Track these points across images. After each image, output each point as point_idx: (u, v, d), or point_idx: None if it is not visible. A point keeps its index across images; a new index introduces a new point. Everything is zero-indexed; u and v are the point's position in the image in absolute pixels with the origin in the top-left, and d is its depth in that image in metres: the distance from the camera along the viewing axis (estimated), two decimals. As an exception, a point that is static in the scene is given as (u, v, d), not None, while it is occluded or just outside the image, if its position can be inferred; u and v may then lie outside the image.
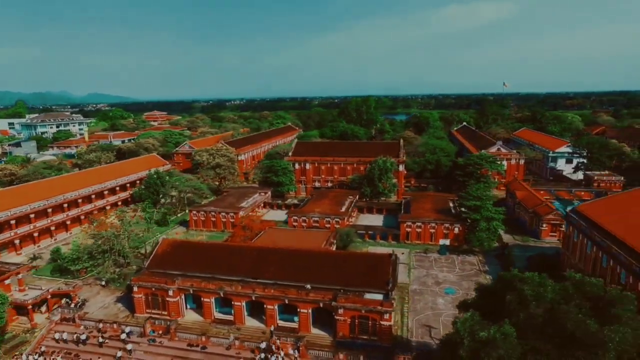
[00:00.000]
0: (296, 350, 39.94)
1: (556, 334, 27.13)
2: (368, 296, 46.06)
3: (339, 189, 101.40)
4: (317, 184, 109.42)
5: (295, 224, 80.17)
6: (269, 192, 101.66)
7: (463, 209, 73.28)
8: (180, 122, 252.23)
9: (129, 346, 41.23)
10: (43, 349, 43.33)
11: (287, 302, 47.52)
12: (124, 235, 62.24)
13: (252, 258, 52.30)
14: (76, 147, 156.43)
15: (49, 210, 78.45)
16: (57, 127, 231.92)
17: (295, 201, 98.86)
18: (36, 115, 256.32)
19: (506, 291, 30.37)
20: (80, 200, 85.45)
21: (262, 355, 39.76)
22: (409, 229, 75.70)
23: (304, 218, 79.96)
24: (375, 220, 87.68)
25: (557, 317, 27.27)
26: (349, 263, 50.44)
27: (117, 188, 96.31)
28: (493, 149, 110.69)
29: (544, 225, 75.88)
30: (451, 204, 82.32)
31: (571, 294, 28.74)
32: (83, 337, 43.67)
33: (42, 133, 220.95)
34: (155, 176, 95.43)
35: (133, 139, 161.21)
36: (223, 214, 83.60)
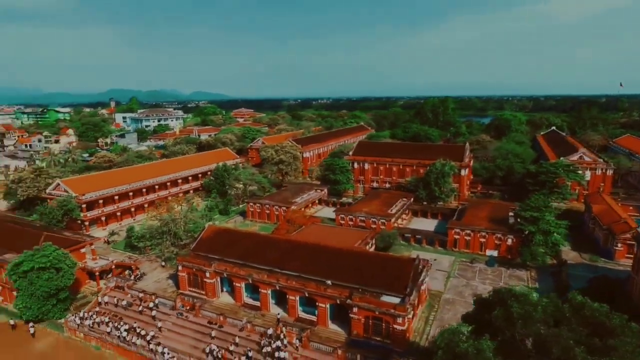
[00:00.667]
0: (298, 340, 41.52)
1: (541, 358, 25.11)
2: (385, 298, 45.81)
3: (394, 191, 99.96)
4: (375, 185, 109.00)
5: (342, 222, 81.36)
6: (325, 190, 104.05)
7: (519, 220, 67.94)
8: (262, 120, 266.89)
9: (153, 312, 46.69)
10: (97, 309, 50.93)
11: (307, 295, 49.31)
12: (181, 220, 69.28)
13: (280, 250, 55.00)
14: (165, 139, 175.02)
15: (130, 193, 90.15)
16: (159, 121, 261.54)
17: (350, 200, 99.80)
18: (144, 110, 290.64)
19: (498, 306, 28.68)
20: (157, 187, 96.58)
21: (267, 340, 42.12)
22: (457, 236, 72.38)
23: (350, 217, 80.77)
24: (429, 224, 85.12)
25: (544, 339, 25.22)
26: (371, 264, 50.46)
27: (190, 177, 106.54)
28: (574, 157, 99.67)
29: (619, 244, 67.04)
30: (511, 214, 76.60)
31: (567, 317, 26.21)
32: (124, 303, 50.35)
33: (146, 126, 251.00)
34: (222, 168, 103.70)
35: (215, 134, 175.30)
36: (276, 207, 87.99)
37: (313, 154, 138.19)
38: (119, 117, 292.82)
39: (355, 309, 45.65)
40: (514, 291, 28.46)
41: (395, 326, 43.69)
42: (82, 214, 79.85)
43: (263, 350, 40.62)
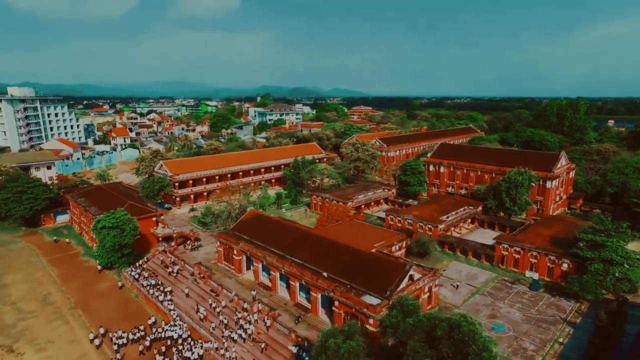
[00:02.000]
0: (267, 319, 45.11)
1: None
2: (365, 297, 46.22)
3: (461, 198, 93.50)
4: (450, 190, 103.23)
5: (391, 222, 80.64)
6: (394, 190, 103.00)
7: (579, 243, 58.31)
8: (375, 118, 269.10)
9: (169, 269, 55.91)
10: (144, 266, 62.90)
11: (303, 282, 52.52)
12: (237, 204, 78.63)
13: (293, 238, 58.98)
14: (275, 132, 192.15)
15: (217, 177, 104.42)
16: (280, 115, 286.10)
17: (416, 202, 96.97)
18: (271, 105, 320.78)
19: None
20: (241, 173, 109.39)
21: (241, 313, 46.98)
22: (504, 252, 65.59)
23: (399, 219, 79.50)
24: (492, 237, 78.09)
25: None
26: (365, 263, 50.83)
27: (272, 167, 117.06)
28: None
29: None
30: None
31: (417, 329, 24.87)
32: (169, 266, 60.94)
33: (269, 120, 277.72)
34: (299, 161, 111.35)
35: (318, 130, 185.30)
36: (335, 201, 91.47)
37: (400, 154, 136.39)
38: (251, 111, 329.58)
39: (336, 303, 47.28)
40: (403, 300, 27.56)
41: (366, 326, 43.98)
42: (174, 191, 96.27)
43: (235, 318, 45.89)
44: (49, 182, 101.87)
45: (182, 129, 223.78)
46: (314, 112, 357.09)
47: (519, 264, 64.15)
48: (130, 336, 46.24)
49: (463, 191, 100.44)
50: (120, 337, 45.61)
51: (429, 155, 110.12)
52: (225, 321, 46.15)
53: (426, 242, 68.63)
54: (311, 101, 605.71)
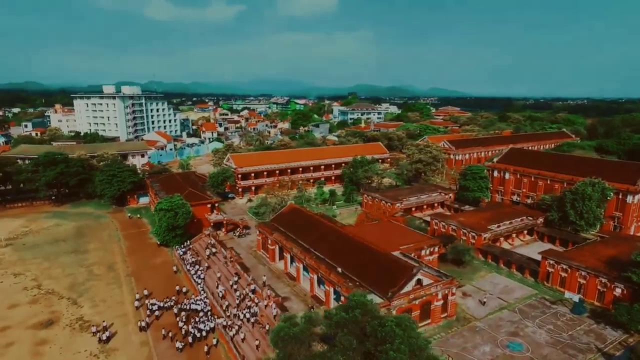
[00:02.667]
0: (274, 305, 47.90)
1: None
2: (369, 296, 46.71)
3: (522, 207, 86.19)
4: (515, 198, 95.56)
5: (435, 227, 78.18)
6: (451, 195, 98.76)
7: (633, 267, 50.99)
8: (460, 119, 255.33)
9: (208, 251, 62.00)
10: (191, 246, 70.48)
11: (319, 275, 54.60)
12: (283, 198, 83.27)
13: (320, 233, 61.15)
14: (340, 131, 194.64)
15: (277, 171, 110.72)
16: (361, 115, 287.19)
17: (471, 209, 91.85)
18: (353, 104, 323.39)
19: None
20: (300, 169, 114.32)
21: (250, 295, 50.69)
22: (550, 269, 59.84)
23: (443, 223, 76.68)
24: (548, 252, 71.51)
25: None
26: (380, 263, 50.97)
27: (333, 165, 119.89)
28: None
29: None
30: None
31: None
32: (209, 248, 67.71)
33: (350, 119, 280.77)
34: (357, 160, 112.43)
35: (391, 129, 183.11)
36: (383, 201, 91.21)
37: (469, 157, 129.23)
38: (335, 109, 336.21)
39: (342, 298, 48.57)
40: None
41: (365, 323, 44.61)
42: (237, 182, 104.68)
43: (244, 300, 49.93)
44: (139, 169, 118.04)
45: (267, 125, 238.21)
46: (400, 111, 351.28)
47: (566, 283, 58.08)
48: (162, 304, 53.06)
49: (529, 200, 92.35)
50: (153, 304, 52.63)
51: (495, 160, 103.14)
52: (237, 302, 50.46)
53: (463, 250, 65.59)
54: (402, 100, 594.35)
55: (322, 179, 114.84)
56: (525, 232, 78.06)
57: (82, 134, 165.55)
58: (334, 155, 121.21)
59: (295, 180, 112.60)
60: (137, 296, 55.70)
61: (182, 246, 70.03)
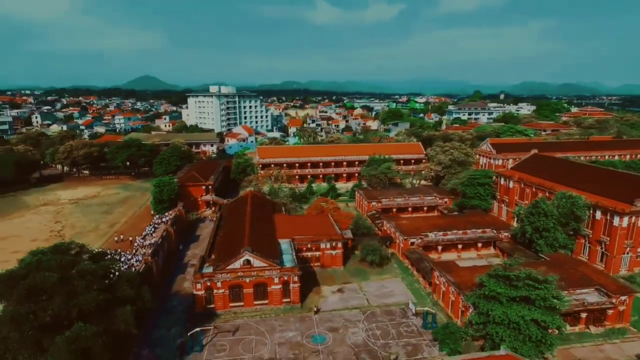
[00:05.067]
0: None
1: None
2: (205, 267, 53.96)
3: (496, 219, 75.98)
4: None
5: (380, 226, 77.02)
6: (447, 199, 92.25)
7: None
8: (585, 121, 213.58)
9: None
10: (165, 217, 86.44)
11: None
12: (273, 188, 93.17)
13: (249, 215, 69.56)
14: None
15: (296, 164, 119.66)
16: (469, 114, 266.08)
17: (454, 214, 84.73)
18: (463, 103, 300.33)
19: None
20: (320, 164, 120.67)
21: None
22: (437, 282, 55.50)
23: (388, 225, 75.08)
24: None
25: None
26: (252, 243, 57.01)
27: (356, 162, 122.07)
28: None
29: None
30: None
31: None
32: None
33: (455, 118, 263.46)
34: (374, 159, 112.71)
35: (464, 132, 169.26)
36: (364, 199, 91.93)
37: (514, 163, 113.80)
38: (451, 108, 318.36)
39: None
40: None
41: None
42: (259, 172, 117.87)
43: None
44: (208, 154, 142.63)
45: (358, 123, 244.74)
46: (529, 112, 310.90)
47: (444, 297, 53.48)
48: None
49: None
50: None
51: (509, 166, 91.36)
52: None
53: (370, 250, 64.91)
54: (568, 98, 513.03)
55: (332, 174, 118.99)
56: (487, 245, 70.54)
57: (188, 126, 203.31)
58: (357, 153, 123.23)
59: (315, 173, 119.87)
60: (115, 239, 74.63)
61: (159, 216, 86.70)
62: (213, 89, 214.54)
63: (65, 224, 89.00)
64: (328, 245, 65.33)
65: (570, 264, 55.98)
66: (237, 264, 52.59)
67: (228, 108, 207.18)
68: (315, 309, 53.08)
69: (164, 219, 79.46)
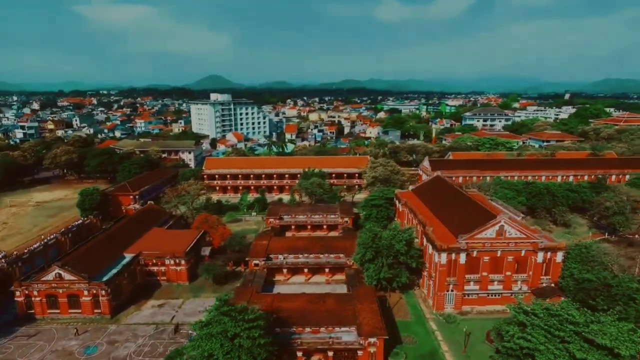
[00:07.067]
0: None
1: None
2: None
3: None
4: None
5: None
6: (348, 219, 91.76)
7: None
8: (604, 131, 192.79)
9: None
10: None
11: (71, 259, 71.02)
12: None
13: (132, 225, 76.43)
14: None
15: (239, 175, 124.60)
16: (484, 120, 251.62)
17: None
18: (477, 109, 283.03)
19: None
20: (263, 175, 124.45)
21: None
22: (233, 305, 57.63)
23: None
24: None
25: None
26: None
27: (298, 175, 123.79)
28: None
29: None
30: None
31: None
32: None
33: (466, 125, 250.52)
34: (308, 172, 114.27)
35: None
36: (265, 214, 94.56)
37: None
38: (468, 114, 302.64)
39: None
40: None
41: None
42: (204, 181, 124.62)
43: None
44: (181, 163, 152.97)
45: (362, 130, 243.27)
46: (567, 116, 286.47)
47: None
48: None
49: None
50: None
51: (410, 187, 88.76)
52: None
53: (204, 269, 68.39)
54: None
55: (264, 187, 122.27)
56: (340, 270, 70.99)
57: (190, 132, 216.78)
58: (301, 165, 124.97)
59: (259, 185, 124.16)
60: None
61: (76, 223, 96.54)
62: (214, 96, 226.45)
63: (10, 225, 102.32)
64: (172, 262, 69.85)
65: (363, 299, 55.16)
66: (50, 276, 59.20)
67: (223, 115, 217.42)
68: (174, 326, 56.77)
69: (72, 228, 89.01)
